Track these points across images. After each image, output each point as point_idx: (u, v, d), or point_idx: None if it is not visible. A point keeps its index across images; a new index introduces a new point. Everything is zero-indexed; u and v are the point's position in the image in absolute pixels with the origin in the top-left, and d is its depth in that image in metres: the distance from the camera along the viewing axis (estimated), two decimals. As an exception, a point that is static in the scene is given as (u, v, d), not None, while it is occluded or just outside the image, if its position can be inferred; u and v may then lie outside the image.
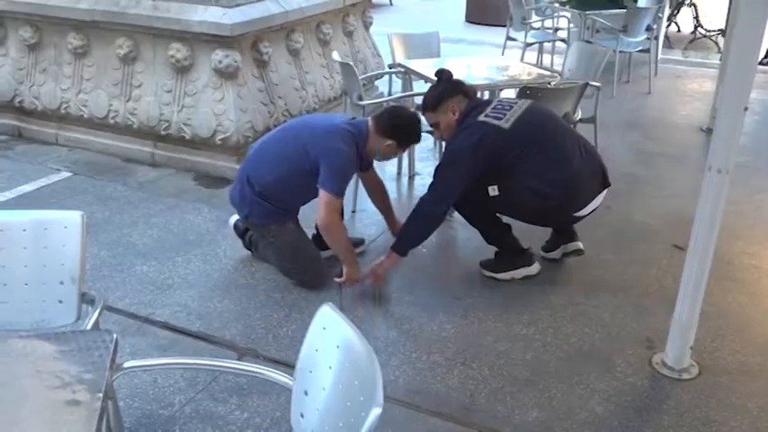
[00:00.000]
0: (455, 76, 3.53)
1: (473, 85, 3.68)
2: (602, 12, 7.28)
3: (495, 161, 3.23)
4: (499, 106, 3.34)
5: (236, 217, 3.66)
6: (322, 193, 3.15)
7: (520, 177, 3.23)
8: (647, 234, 4.06)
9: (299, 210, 3.45)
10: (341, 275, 3.33)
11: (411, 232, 3.37)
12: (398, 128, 3.32)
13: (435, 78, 3.56)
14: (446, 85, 3.45)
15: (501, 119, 3.24)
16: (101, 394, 1.50)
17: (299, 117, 3.76)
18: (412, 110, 3.90)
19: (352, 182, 3.72)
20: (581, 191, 3.30)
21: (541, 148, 3.24)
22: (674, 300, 2.80)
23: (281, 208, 3.34)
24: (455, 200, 3.33)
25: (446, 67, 3.64)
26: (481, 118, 3.26)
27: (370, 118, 3.39)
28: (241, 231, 3.65)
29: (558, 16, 8.20)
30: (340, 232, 3.29)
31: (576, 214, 3.38)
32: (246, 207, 3.36)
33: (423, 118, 3.52)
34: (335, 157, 3.17)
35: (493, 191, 3.26)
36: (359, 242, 3.78)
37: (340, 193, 3.18)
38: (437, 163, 3.51)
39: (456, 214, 3.76)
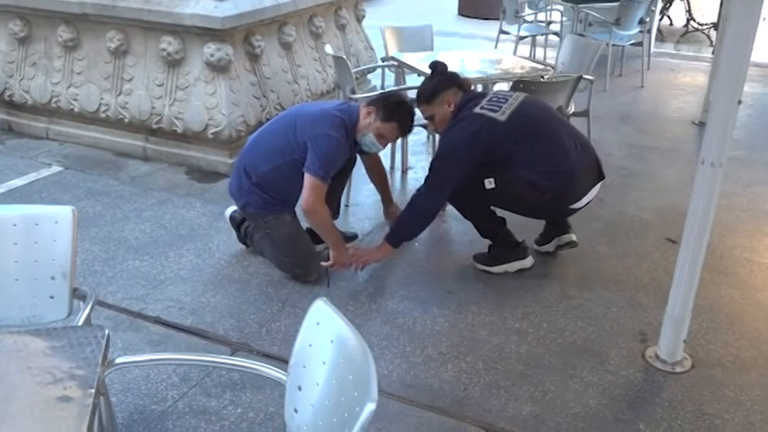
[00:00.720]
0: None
1: (467, 78, 3.67)
2: (595, 5, 7.29)
3: (490, 153, 3.23)
4: (495, 98, 3.33)
5: (232, 208, 3.66)
6: (307, 176, 3.14)
7: (516, 170, 3.22)
8: (640, 227, 4.07)
9: (297, 202, 3.43)
10: (328, 259, 3.33)
11: (406, 224, 3.38)
12: (383, 98, 3.25)
13: (429, 71, 3.55)
14: (441, 78, 3.43)
15: (497, 111, 3.23)
16: (92, 390, 1.49)
17: (293, 107, 3.72)
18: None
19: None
20: (577, 184, 3.30)
21: (538, 141, 3.23)
22: (667, 293, 2.81)
23: (279, 199, 3.33)
24: (450, 193, 3.32)
25: (439, 60, 3.63)
26: (477, 110, 3.26)
27: (362, 103, 3.37)
28: (237, 223, 3.63)
29: (551, 9, 8.20)
30: (325, 216, 3.26)
31: (572, 207, 3.38)
32: (244, 197, 3.36)
33: (417, 111, 3.50)
34: (322, 141, 3.16)
35: (489, 184, 3.25)
36: (352, 237, 3.78)
37: (325, 177, 3.16)
38: (431, 157, 3.50)
39: (450, 207, 3.75)
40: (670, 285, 2.78)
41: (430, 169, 3.31)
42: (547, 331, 3.07)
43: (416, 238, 3.67)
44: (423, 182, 3.32)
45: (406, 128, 3.36)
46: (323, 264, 3.35)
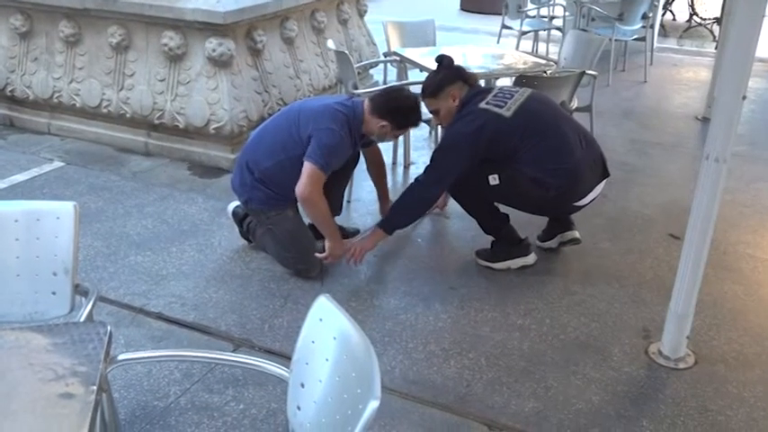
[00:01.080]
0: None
1: (472, 72, 3.65)
2: (598, -1, 7.26)
3: (495, 149, 3.21)
4: (500, 94, 3.31)
5: (235, 203, 3.65)
6: (306, 164, 3.12)
7: (521, 167, 3.21)
8: (643, 223, 4.06)
9: None
10: (323, 251, 3.32)
11: (400, 212, 3.37)
12: (393, 109, 3.26)
13: (431, 66, 3.53)
14: (446, 72, 3.42)
15: (502, 107, 3.22)
16: (95, 387, 1.48)
17: (296, 102, 3.71)
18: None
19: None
20: (581, 181, 3.28)
21: (543, 137, 3.22)
22: (670, 289, 2.80)
23: (281, 194, 3.32)
24: (449, 184, 3.31)
25: (445, 54, 3.61)
26: (482, 105, 3.24)
27: (366, 98, 3.36)
28: (240, 218, 3.63)
29: (554, 4, 8.17)
30: (321, 206, 3.24)
31: (576, 204, 3.37)
32: (246, 193, 3.35)
33: (422, 104, 3.49)
34: (324, 134, 3.15)
35: (493, 180, 3.24)
36: (354, 233, 3.77)
37: (325, 167, 3.14)
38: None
39: (452, 203, 3.74)
40: (673, 281, 2.78)
41: (431, 160, 3.29)
42: (549, 327, 3.07)
43: (419, 234, 3.67)
44: (423, 171, 3.30)
45: (418, 124, 3.46)
46: (317, 255, 3.34)
